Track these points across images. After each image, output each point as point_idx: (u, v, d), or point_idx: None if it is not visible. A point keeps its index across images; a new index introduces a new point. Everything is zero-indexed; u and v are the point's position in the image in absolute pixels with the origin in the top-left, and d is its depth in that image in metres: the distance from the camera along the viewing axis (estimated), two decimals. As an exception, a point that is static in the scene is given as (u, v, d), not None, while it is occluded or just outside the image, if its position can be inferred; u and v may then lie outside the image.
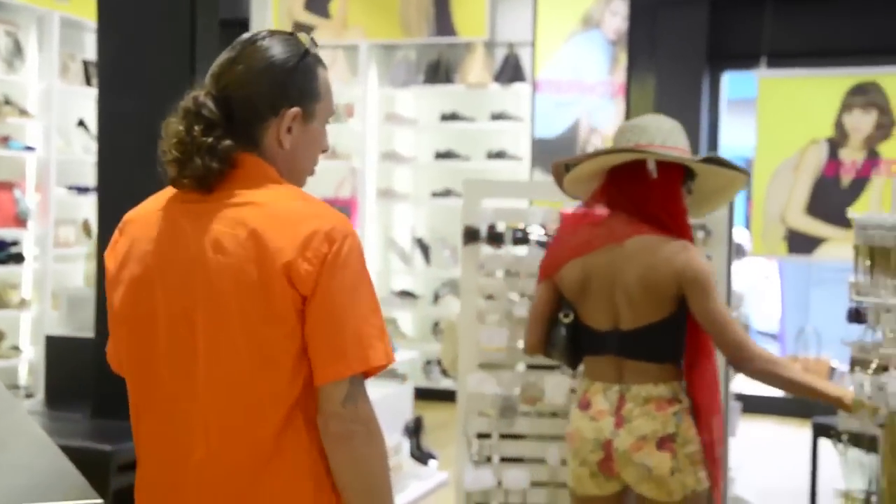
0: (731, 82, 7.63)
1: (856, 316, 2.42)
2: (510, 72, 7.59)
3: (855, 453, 2.86)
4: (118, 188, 4.15)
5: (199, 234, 1.64)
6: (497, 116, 7.65)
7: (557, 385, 3.59)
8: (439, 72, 7.72)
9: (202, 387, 1.63)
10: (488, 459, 3.73)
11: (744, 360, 2.54)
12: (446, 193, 7.61)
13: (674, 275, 2.58)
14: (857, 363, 2.27)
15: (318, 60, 1.74)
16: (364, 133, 7.72)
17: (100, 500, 2.00)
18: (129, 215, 1.77)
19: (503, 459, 3.73)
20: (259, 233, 1.60)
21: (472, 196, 3.78)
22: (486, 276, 3.74)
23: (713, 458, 2.64)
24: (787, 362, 2.65)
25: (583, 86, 7.47)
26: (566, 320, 2.78)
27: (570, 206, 3.87)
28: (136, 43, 4.12)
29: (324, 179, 7.58)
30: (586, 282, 2.71)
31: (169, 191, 1.73)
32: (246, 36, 1.71)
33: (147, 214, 1.73)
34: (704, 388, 2.66)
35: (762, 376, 2.56)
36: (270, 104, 1.67)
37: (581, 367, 2.89)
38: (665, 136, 2.68)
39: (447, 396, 3.87)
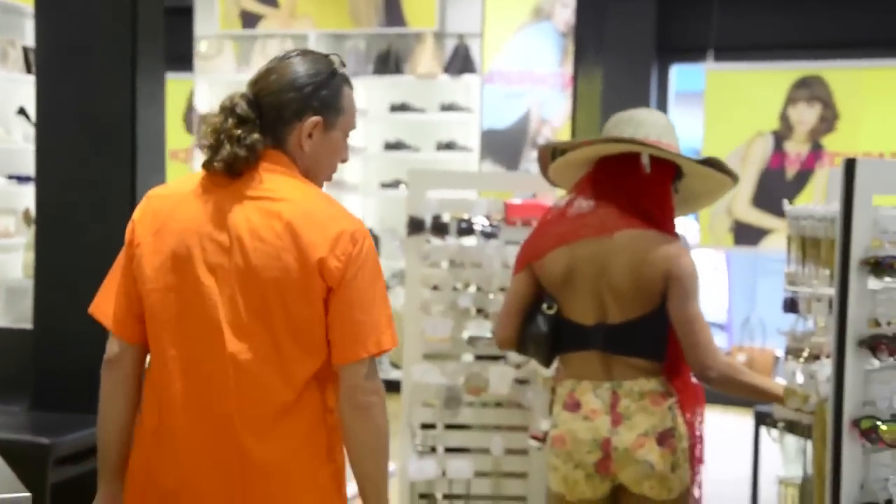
0: (681, 75, 7.70)
1: (791, 306, 2.45)
2: (460, 63, 7.59)
3: (794, 441, 2.90)
4: (57, 176, 4.08)
5: (238, 217, 1.91)
6: (447, 107, 7.64)
7: (502, 375, 3.59)
8: (389, 62, 7.69)
9: (234, 350, 1.89)
10: (433, 450, 3.72)
11: (707, 367, 2.49)
12: (396, 184, 7.59)
13: (663, 270, 2.53)
14: (791, 352, 2.29)
15: (346, 80, 2.02)
16: (313, 123, 7.68)
17: (26, 494, 1.97)
18: (157, 191, 2.03)
19: (448, 450, 3.73)
20: (294, 227, 1.89)
21: (417, 186, 3.76)
22: (431, 267, 3.73)
23: (696, 457, 2.62)
24: (745, 368, 2.61)
25: (533, 77, 7.49)
26: (549, 312, 2.65)
27: (517, 197, 3.88)
28: (77, 29, 4.04)
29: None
30: (571, 272, 2.62)
31: (194, 176, 2.00)
32: (287, 52, 2.02)
33: (179, 195, 1.98)
34: (688, 385, 2.62)
35: (721, 383, 2.51)
36: (295, 110, 1.94)
37: (556, 365, 2.79)
38: (660, 132, 2.64)
39: (397, 387, 3.86)
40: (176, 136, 7.33)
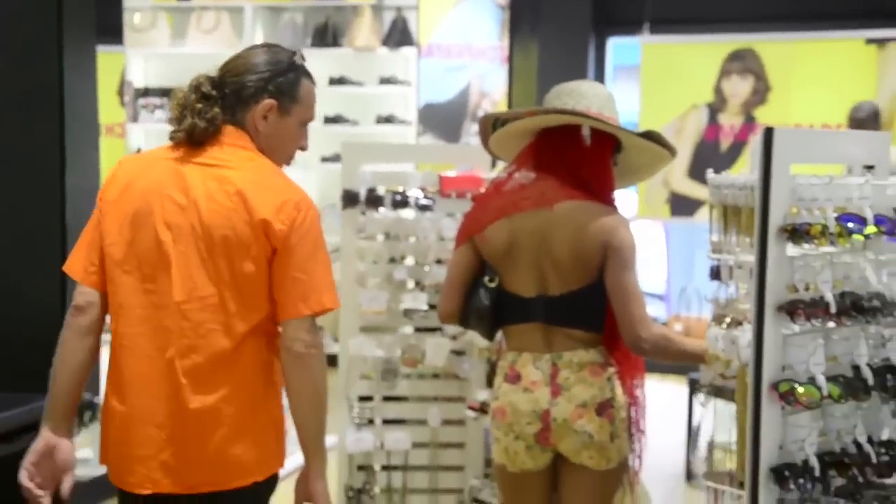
0: (621, 49, 7.75)
1: (716, 273, 2.49)
2: (398, 36, 7.55)
3: (725, 406, 2.96)
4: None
5: (195, 182, 2.14)
6: (385, 81, 7.61)
7: (438, 347, 3.62)
8: (326, 35, 7.63)
9: (181, 300, 2.12)
10: (370, 422, 3.74)
11: (641, 339, 2.51)
12: (336, 158, 7.55)
13: (602, 241, 2.53)
14: (716, 319, 2.34)
15: (306, 73, 2.26)
16: (251, 97, 7.59)
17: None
18: (128, 157, 2.30)
19: (385, 421, 3.75)
20: (244, 193, 2.13)
21: (351, 159, 3.75)
22: (367, 240, 3.73)
23: (638, 427, 2.65)
24: (677, 335, 2.63)
25: (473, 51, 7.49)
26: (491, 285, 2.64)
27: (452, 171, 3.88)
28: (1, 4, 3.96)
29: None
30: (512, 244, 2.61)
31: (161, 148, 2.24)
32: (258, 44, 2.30)
33: (146, 161, 2.24)
34: (628, 356, 2.64)
35: (654, 353, 2.53)
36: (253, 92, 2.18)
37: (498, 338, 2.79)
38: (601, 105, 2.64)
39: (334, 361, 3.86)
40: (111, 111, 7.18)
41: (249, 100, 2.19)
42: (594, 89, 2.68)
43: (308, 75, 2.26)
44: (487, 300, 2.64)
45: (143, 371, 2.14)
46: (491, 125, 2.81)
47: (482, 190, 2.81)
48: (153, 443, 2.13)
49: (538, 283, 2.60)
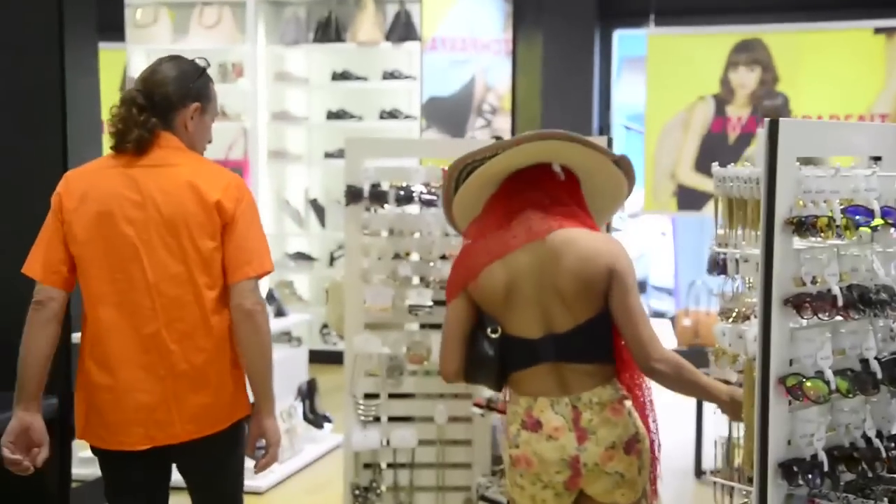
0: (626, 40, 7.70)
1: (715, 265, 2.46)
2: (401, 30, 7.52)
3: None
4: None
5: (147, 182, 2.52)
6: (389, 75, 7.58)
7: (443, 343, 3.59)
8: (329, 30, 7.60)
9: (155, 281, 2.50)
10: (376, 419, 3.72)
11: (656, 359, 2.41)
12: (339, 154, 7.53)
13: (607, 266, 2.44)
14: (722, 313, 2.31)
15: (211, 78, 2.67)
16: (254, 93, 7.56)
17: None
18: (72, 172, 2.63)
19: (391, 419, 3.74)
20: (192, 181, 2.52)
21: (355, 155, 3.73)
22: (371, 236, 3.71)
23: (655, 454, 2.58)
24: (690, 365, 2.49)
25: (477, 44, 7.45)
26: (494, 336, 2.50)
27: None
28: (2, 2, 3.94)
29: (215, 141, 7.38)
30: (511, 286, 2.49)
31: (100, 159, 2.63)
32: (166, 56, 2.65)
33: (95, 170, 2.58)
34: (634, 379, 2.57)
35: (668, 372, 2.43)
36: (180, 99, 2.56)
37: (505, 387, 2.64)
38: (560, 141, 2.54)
39: (340, 359, 3.84)
40: (114, 108, 7.16)
41: (178, 105, 2.57)
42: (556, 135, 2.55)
43: (212, 79, 2.68)
44: (492, 350, 2.51)
45: (126, 347, 2.50)
46: (454, 183, 2.62)
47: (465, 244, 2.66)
48: (145, 406, 2.50)
49: (543, 322, 2.49)
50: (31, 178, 3.99)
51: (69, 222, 2.53)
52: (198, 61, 2.64)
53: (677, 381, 2.45)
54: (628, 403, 2.52)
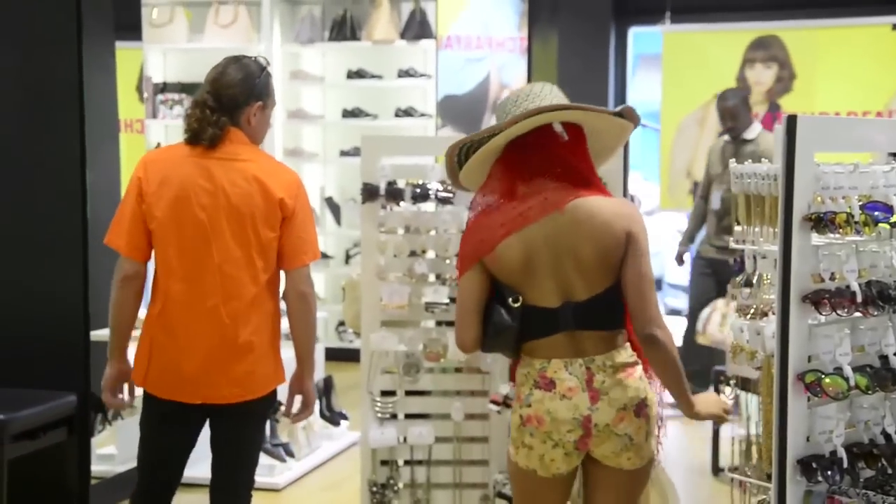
0: (642, 38, 7.68)
1: (740, 264, 2.45)
2: (416, 28, 7.52)
3: (754, 399, 2.92)
4: (1, 146, 4.02)
5: (219, 173, 2.88)
6: (404, 73, 7.59)
7: (459, 340, 3.59)
8: (345, 28, 7.61)
9: (219, 262, 2.87)
10: (393, 417, 3.73)
11: (655, 324, 2.42)
12: (355, 152, 7.54)
13: (623, 230, 2.46)
14: (739, 309, 2.31)
15: (270, 74, 3.01)
16: (270, 92, 7.58)
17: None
18: (151, 157, 3.03)
19: (408, 416, 3.74)
20: (259, 177, 2.89)
21: (370, 152, 3.74)
22: (387, 234, 3.72)
23: (660, 419, 2.60)
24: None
25: (492, 42, 7.44)
26: (516, 305, 2.52)
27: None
28: (20, 1, 3.97)
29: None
30: (529, 257, 2.51)
31: (177, 147, 2.96)
32: (231, 57, 2.98)
33: (172, 158, 2.93)
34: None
35: (660, 348, 2.44)
36: (245, 98, 2.92)
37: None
38: (562, 98, 2.59)
39: (357, 356, 3.85)
40: (130, 107, 7.19)
41: (243, 104, 2.91)
42: (546, 89, 2.62)
43: (271, 75, 3.00)
44: (512, 320, 2.53)
45: (189, 317, 2.88)
46: (457, 159, 2.67)
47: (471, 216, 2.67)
48: (200, 368, 2.87)
49: (562, 291, 2.52)
50: (48, 176, 4.01)
51: (149, 203, 2.88)
52: (259, 60, 2.96)
53: (665, 360, 2.46)
54: (639, 368, 2.55)
